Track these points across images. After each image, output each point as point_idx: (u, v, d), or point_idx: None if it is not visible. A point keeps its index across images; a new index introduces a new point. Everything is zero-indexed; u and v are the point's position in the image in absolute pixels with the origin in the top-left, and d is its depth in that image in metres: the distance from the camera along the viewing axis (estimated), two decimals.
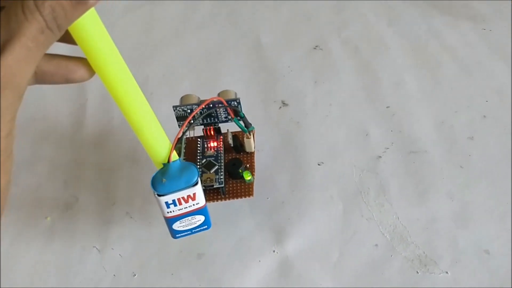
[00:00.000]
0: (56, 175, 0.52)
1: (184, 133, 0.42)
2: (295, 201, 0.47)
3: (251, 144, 0.44)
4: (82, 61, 0.27)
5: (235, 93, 0.44)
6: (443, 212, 0.45)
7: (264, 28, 0.64)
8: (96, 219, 0.48)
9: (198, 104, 0.43)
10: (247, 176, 0.42)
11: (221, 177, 0.42)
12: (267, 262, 0.43)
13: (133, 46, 0.64)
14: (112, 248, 0.46)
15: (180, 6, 0.69)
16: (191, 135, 0.45)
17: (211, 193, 0.43)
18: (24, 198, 0.50)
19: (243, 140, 0.44)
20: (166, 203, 0.35)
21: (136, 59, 0.62)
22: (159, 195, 0.34)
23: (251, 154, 0.45)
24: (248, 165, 0.44)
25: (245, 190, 0.43)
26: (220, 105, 0.42)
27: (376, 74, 0.57)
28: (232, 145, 0.44)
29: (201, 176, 0.40)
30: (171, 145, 0.33)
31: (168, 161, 0.33)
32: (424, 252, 0.42)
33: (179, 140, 0.37)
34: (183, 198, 0.35)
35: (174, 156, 0.34)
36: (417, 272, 0.41)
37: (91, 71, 0.27)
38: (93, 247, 0.46)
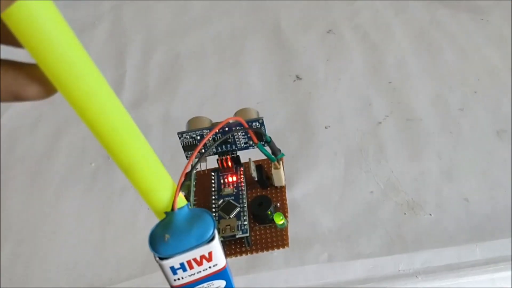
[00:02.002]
0: None
1: (193, 166, 0.31)
2: (303, 156, 0.54)
3: (281, 175, 0.34)
4: (37, 71, 0.18)
5: (257, 112, 0.34)
6: (431, 168, 0.52)
7: (284, 14, 0.72)
8: None
9: (211, 129, 0.33)
10: (279, 220, 0.32)
11: (245, 223, 0.32)
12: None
13: (166, 28, 0.73)
14: None
15: None
16: (203, 168, 0.36)
17: (232, 245, 0.33)
18: (73, 146, 0.58)
19: (270, 171, 0.34)
20: (172, 268, 0.25)
21: (168, 39, 0.71)
22: (162, 258, 0.24)
23: (282, 189, 0.35)
24: (278, 204, 0.34)
25: (278, 238, 0.33)
26: (238, 128, 0.32)
27: (381, 55, 0.65)
28: (256, 179, 0.34)
29: (218, 224, 0.32)
30: (175, 186, 0.24)
31: (172, 209, 0.24)
32: (412, 198, 0.50)
33: (187, 176, 0.26)
34: (195, 260, 0.25)
35: (180, 201, 0.24)
36: (405, 214, 0.48)
37: (50, 87, 0.19)
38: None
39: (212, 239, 0.25)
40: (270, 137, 0.33)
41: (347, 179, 0.52)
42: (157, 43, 0.71)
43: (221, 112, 0.59)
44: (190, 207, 0.25)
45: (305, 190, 0.51)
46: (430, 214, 0.48)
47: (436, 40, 0.66)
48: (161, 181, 0.24)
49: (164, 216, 0.24)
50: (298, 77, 0.63)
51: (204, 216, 0.25)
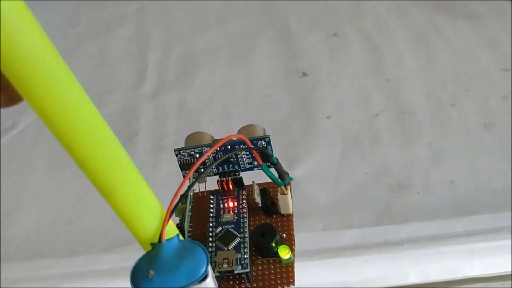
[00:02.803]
0: (124, 112, 0.66)
1: (190, 187, 0.28)
2: (305, 142, 0.60)
3: (288, 202, 0.30)
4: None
5: (264, 130, 0.31)
6: (422, 155, 0.57)
7: (292, 16, 0.78)
8: (151, 148, 0.62)
9: (211, 146, 0.30)
10: (284, 254, 0.28)
11: (245, 256, 0.29)
12: None
13: (184, 28, 0.79)
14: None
15: None
16: (201, 190, 0.32)
17: (230, 281, 0.29)
18: None
19: (276, 196, 0.31)
20: None
21: (185, 37, 0.77)
22: None
23: (289, 217, 0.31)
24: (284, 235, 0.30)
25: (282, 275, 0.29)
26: (242, 147, 0.30)
27: (381, 56, 0.70)
28: (260, 205, 0.30)
29: (215, 257, 0.28)
30: (164, 212, 0.22)
31: (160, 240, 0.21)
32: (402, 180, 0.54)
33: (182, 198, 0.24)
34: None
35: (170, 230, 0.22)
36: (395, 192, 0.53)
37: (13, 96, 0.17)
38: (149, 165, 0.60)
39: (205, 278, 0.21)
40: (276, 159, 0.29)
41: (343, 163, 0.57)
42: (175, 41, 0.77)
43: (231, 100, 0.65)
44: (181, 238, 0.22)
45: (305, 171, 0.56)
46: (418, 193, 0.53)
47: (434, 42, 0.71)
48: (147, 207, 0.21)
49: (149, 248, 0.21)
50: (304, 74, 0.69)
51: (196, 249, 0.22)
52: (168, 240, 0.21)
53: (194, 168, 0.28)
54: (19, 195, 0.57)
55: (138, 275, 0.21)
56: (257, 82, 0.68)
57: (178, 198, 0.23)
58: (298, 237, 0.51)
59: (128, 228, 0.21)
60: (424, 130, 0.59)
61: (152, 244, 0.21)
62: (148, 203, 0.21)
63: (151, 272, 0.21)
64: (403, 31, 0.74)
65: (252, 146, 0.29)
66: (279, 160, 0.29)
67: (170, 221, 0.22)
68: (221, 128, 0.62)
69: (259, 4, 0.80)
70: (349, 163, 0.57)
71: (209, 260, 0.22)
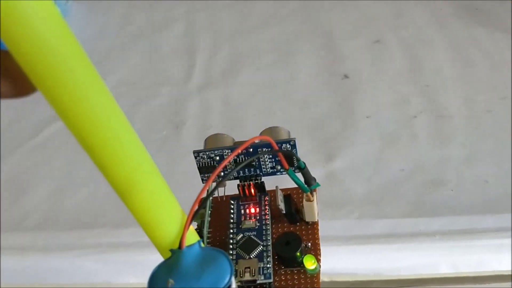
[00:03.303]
0: (172, 103, 0.70)
1: (209, 194, 0.26)
2: (344, 138, 0.62)
3: (313, 209, 0.29)
4: (9, 63, 0.15)
5: (288, 132, 0.30)
6: (456, 155, 0.59)
7: (336, 23, 0.81)
8: (196, 135, 0.65)
9: (232, 148, 0.28)
10: (310, 263, 0.27)
11: (268, 265, 0.27)
12: (317, 173, 0.59)
13: (230, 30, 0.83)
14: None
15: (271, 3, 0.87)
16: (221, 194, 0.31)
17: None
18: (149, 116, 0.68)
19: (301, 203, 0.29)
20: None
21: (231, 39, 0.81)
22: None
23: (314, 225, 0.30)
24: (309, 244, 0.29)
25: (307, 285, 0.28)
26: (265, 150, 0.28)
27: (420, 63, 0.73)
28: (283, 211, 0.29)
29: (235, 265, 0.27)
30: (185, 217, 0.21)
31: (180, 247, 0.20)
32: (436, 177, 0.57)
33: (201, 205, 0.22)
34: None
35: (191, 237, 0.21)
36: (429, 188, 0.56)
37: (25, 86, 0.16)
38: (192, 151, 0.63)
39: None
40: (304, 163, 0.28)
41: (380, 159, 0.60)
42: (222, 42, 0.81)
43: (275, 98, 0.69)
44: (202, 244, 0.21)
45: (343, 164, 0.59)
46: (452, 190, 0.55)
47: (471, 53, 0.73)
48: (167, 211, 0.20)
49: (169, 254, 0.20)
50: (345, 76, 0.72)
51: (219, 258, 0.20)
52: (189, 246, 0.20)
53: (217, 172, 0.25)
54: (73, 174, 0.62)
55: (156, 283, 0.20)
56: (299, 82, 0.72)
57: (201, 198, 0.22)
58: (334, 224, 0.54)
59: (145, 232, 0.19)
60: (459, 132, 0.62)
61: (172, 251, 0.20)
62: (168, 206, 0.19)
63: (171, 281, 0.19)
64: (442, 41, 0.76)
65: (278, 149, 0.27)
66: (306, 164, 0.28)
67: (191, 226, 0.20)
68: (262, 122, 0.65)
69: (304, 11, 0.84)
70: (385, 159, 0.59)
71: (233, 270, 0.20)
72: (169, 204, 0.20)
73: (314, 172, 0.57)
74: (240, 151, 0.27)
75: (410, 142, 0.61)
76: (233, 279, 0.20)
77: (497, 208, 0.53)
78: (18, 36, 0.13)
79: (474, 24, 0.78)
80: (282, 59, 0.76)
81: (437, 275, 0.51)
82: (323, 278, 0.51)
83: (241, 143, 0.27)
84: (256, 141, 0.27)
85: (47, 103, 0.57)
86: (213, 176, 0.25)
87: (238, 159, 0.29)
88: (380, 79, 0.71)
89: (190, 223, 0.20)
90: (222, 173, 0.29)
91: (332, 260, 0.51)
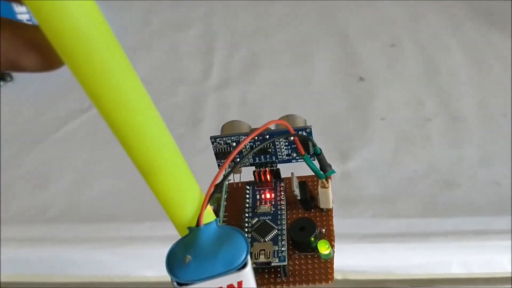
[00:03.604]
0: (190, 101, 0.71)
1: (225, 176, 0.26)
2: (359, 138, 0.63)
3: (328, 196, 0.29)
4: (39, 36, 0.15)
5: (305, 120, 0.30)
6: (470, 156, 0.60)
7: (352, 25, 0.82)
8: (214, 132, 0.66)
9: (249, 134, 0.28)
10: (324, 249, 0.28)
11: (283, 249, 0.28)
12: None
13: (248, 31, 0.84)
14: None
15: (289, 4, 0.88)
16: (236, 180, 0.32)
17: (265, 274, 0.28)
18: (167, 114, 0.70)
19: (316, 190, 0.30)
20: None
21: (249, 39, 0.82)
22: (180, 284, 0.21)
23: (328, 212, 0.30)
24: (324, 230, 0.29)
25: (321, 271, 0.28)
26: (281, 136, 0.29)
27: (436, 67, 0.73)
28: (298, 197, 0.29)
29: (251, 248, 0.27)
30: (203, 197, 0.21)
31: (198, 225, 0.21)
32: (449, 178, 0.57)
33: (217, 188, 0.23)
34: None
35: (208, 215, 0.21)
36: (442, 189, 0.56)
37: (53, 59, 0.16)
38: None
39: (244, 266, 0.20)
40: (320, 149, 0.28)
41: (394, 159, 0.60)
42: (240, 42, 0.82)
43: (291, 98, 0.70)
44: (219, 223, 0.21)
45: (357, 164, 0.60)
46: (465, 192, 0.56)
47: (487, 57, 0.74)
48: (187, 190, 0.20)
49: (187, 232, 0.21)
50: (361, 78, 0.73)
51: (235, 236, 0.21)
52: (207, 224, 0.20)
53: (232, 156, 0.26)
54: (94, 167, 0.63)
55: (174, 259, 0.20)
56: (315, 82, 0.73)
57: (218, 181, 0.22)
58: (348, 222, 0.54)
59: (164, 210, 0.20)
60: (473, 135, 0.62)
61: (190, 228, 0.20)
62: (188, 186, 0.20)
63: (188, 257, 0.20)
64: (457, 45, 0.77)
65: (294, 133, 0.27)
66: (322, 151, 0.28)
67: (209, 206, 0.21)
68: None
69: (321, 13, 0.85)
70: (399, 160, 0.60)
71: (249, 248, 0.21)
72: (189, 183, 0.20)
73: None
74: (255, 135, 0.27)
75: (424, 144, 0.62)
76: (249, 257, 0.21)
77: (509, 210, 0.53)
78: (49, 13, 0.13)
79: (489, 28, 0.79)
80: (299, 60, 0.77)
81: (449, 275, 0.51)
82: (336, 275, 0.52)
83: (256, 129, 0.28)
84: (271, 126, 0.28)
85: (72, 98, 0.59)
86: (229, 160, 0.25)
87: (254, 146, 0.29)
88: (395, 81, 0.71)
89: (208, 202, 0.21)
90: (238, 159, 0.30)
91: (345, 257, 0.52)
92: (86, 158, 0.65)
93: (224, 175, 0.26)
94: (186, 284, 0.20)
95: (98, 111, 0.16)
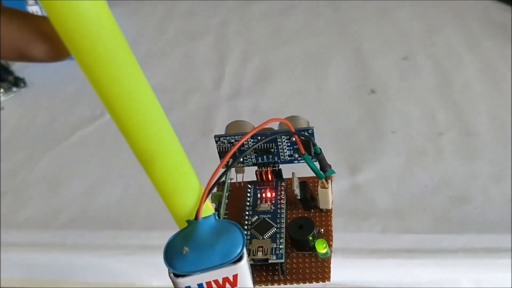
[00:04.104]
0: (202, 111, 0.72)
1: (224, 174, 0.26)
2: (369, 151, 0.63)
3: (328, 196, 0.30)
4: (47, 27, 0.16)
5: (307, 122, 0.31)
6: (483, 172, 0.59)
7: (366, 39, 0.82)
8: None
9: (253, 135, 0.29)
10: (321, 248, 0.28)
11: (281, 246, 0.28)
12: (342, 184, 0.59)
13: (262, 42, 0.84)
14: None
15: (304, 17, 0.88)
16: (239, 180, 0.32)
17: (263, 271, 0.28)
18: (178, 123, 0.70)
19: (316, 190, 0.30)
20: None
21: (263, 51, 0.82)
22: (177, 276, 0.21)
23: (328, 212, 0.31)
24: (322, 230, 0.30)
25: (318, 269, 0.28)
26: (283, 135, 0.29)
27: (449, 81, 0.73)
28: (298, 197, 0.30)
29: (249, 245, 0.28)
30: (203, 191, 0.21)
31: (196, 218, 0.21)
32: (461, 194, 0.57)
33: (217, 184, 0.23)
34: (216, 282, 0.21)
35: (207, 209, 0.22)
36: (453, 205, 0.56)
37: (61, 50, 0.16)
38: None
39: (240, 259, 0.21)
40: (320, 149, 0.29)
41: (405, 173, 0.60)
42: (253, 53, 0.82)
43: (303, 109, 0.70)
44: (217, 217, 0.22)
45: (368, 177, 0.60)
46: (475, 208, 0.55)
47: (502, 72, 0.73)
48: (186, 183, 0.20)
49: (185, 225, 0.21)
50: (372, 91, 0.72)
51: (232, 230, 0.21)
52: (205, 218, 0.21)
53: (231, 153, 0.27)
54: (106, 174, 0.63)
55: (172, 251, 0.21)
56: (327, 95, 0.72)
57: (216, 177, 0.23)
58: (356, 236, 0.54)
59: (164, 202, 0.20)
60: (486, 150, 0.62)
61: (188, 221, 0.21)
62: (188, 178, 0.20)
63: (186, 249, 0.20)
64: (472, 59, 0.76)
65: (295, 131, 0.28)
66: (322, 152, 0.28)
67: (208, 200, 0.21)
68: None
69: (335, 25, 0.85)
70: (411, 174, 0.60)
71: (246, 241, 0.21)
72: (188, 176, 0.21)
73: (339, 183, 0.58)
74: (253, 133, 0.27)
75: (436, 158, 0.61)
76: (245, 250, 0.21)
77: None
78: (58, 7, 0.14)
79: (505, 41, 0.78)
80: (311, 72, 0.77)
81: None
82: None
83: (265, 139, 0.28)
84: (268, 125, 0.28)
85: (84, 105, 0.59)
86: (228, 156, 0.26)
87: (258, 146, 0.30)
88: (407, 95, 0.71)
89: (207, 195, 0.21)
90: (241, 159, 0.30)
91: (354, 272, 0.52)
92: (97, 164, 0.65)
93: (226, 175, 0.27)
94: (183, 276, 0.21)
95: (100, 98, 0.17)
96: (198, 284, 0.21)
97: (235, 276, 0.21)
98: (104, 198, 0.61)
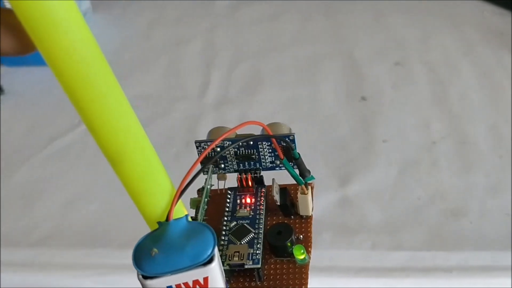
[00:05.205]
0: (186, 119, 0.69)
1: (195, 177, 0.24)
2: (360, 161, 0.60)
3: (308, 203, 0.29)
4: (13, 20, 0.16)
5: (289, 129, 0.30)
6: (479, 183, 0.56)
7: (358, 45, 0.79)
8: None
9: (233, 140, 0.29)
10: (299, 254, 0.28)
11: (258, 251, 0.28)
12: (331, 197, 0.56)
13: (251, 49, 0.81)
14: None
15: (295, 23, 0.85)
16: (221, 187, 0.32)
17: (240, 277, 0.28)
18: (161, 133, 0.67)
19: (296, 196, 0.29)
20: None
21: (252, 57, 0.79)
22: (146, 278, 0.21)
23: (308, 219, 0.30)
24: (302, 236, 0.29)
25: (296, 276, 0.28)
26: (263, 140, 0.29)
27: (444, 88, 0.70)
28: (278, 203, 0.29)
29: (226, 250, 0.27)
30: (175, 192, 0.21)
31: (167, 219, 0.21)
32: (456, 207, 0.54)
33: (199, 192, 0.23)
34: (186, 285, 0.21)
35: (179, 211, 0.21)
36: (447, 219, 0.53)
37: (27, 43, 0.16)
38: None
39: (210, 261, 0.20)
40: (299, 154, 0.28)
41: (397, 185, 0.57)
42: (241, 60, 0.79)
43: (293, 117, 0.67)
44: (189, 219, 0.21)
45: (358, 189, 0.57)
46: (471, 222, 0.52)
47: (499, 80, 0.70)
48: (157, 183, 0.20)
49: (156, 226, 0.21)
50: (363, 98, 0.69)
51: (204, 231, 0.21)
52: (176, 220, 0.21)
53: (202, 157, 0.27)
54: (83, 188, 0.60)
55: (141, 252, 0.20)
56: (317, 103, 0.69)
57: (189, 178, 0.22)
58: (345, 253, 0.51)
59: (135, 203, 0.20)
60: (482, 161, 0.59)
61: (159, 223, 0.21)
62: (159, 179, 0.20)
63: (155, 250, 0.20)
64: (468, 66, 0.73)
65: (273, 135, 0.28)
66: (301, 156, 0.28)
67: (180, 202, 0.21)
68: None
69: (326, 32, 0.82)
70: (403, 186, 0.57)
71: (216, 243, 0.21)
72: (159, 177, 0.20)
73: (327, 195, 0.55)
74: (228, 135, 0.27)
75: (429, 169, 0.58)
76: (216, 253, 0.21)
77: None
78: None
79: (501, 48, 0.75)
80: (301, 79, 0.74)
81: None
82: None
83: (243, 135, 0.28)
84: (244, 128, 0.27)
85: (63, 114, 0.56)
86: (200, 158, 0.26)
87: (238, 152, 0.29)
88: (400, 102, 0.68)
89: (179, 196, 0.21)
90: (222, 165, 0.30)
91: None
92: (75, 177, 0.62)
93: (206, 180, 0.28)
94: (152, 278, 0.20)
95: (65, 93, 0.16)
96: (167, 287, 0.21)
97: (205, 279, 0.21)
98: (82, 214, 0.57)
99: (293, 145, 0.28)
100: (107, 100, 0.17)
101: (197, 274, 0.21)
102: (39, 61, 0.78)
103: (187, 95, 0.73)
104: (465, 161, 0.59)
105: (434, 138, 0.62)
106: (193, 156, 0.63)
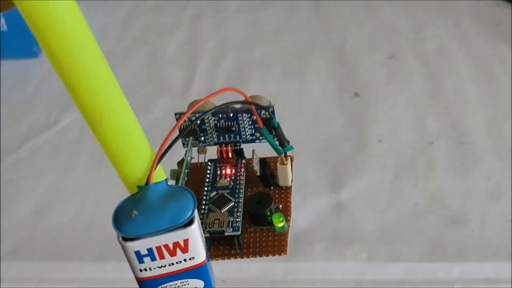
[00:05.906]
0: (170, 116, 0.65)
1: (174, 143, 0.24)
2: (354, 163, 0.57)
3: (287, 173, 0.30)
4: None
5: (269, 101, 0.30)
6: (479, 188, 0.53)
7: (349, 36, 0.75)
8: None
9: (214, 112, 0.29)
10: (278, 222, 0.28)
11: (238, 219, 0.28)
12: (323, 203, 0.53)
13: (237, 40, 0.77)
14: None
15: (283, 12, 0.81)
16: (202, 160, 0.31)
17: (220, 245, 0.29)
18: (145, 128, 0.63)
19: (276, 167, 0.30)
20: (138, 253, 0.21)
21: (238, 49, 0.75)
22: (126, 239, 0.21)
23: (287, 189, 0.31)
24: (281, 206, 0.30)
25: (275, 243, 0.29)
26: (243, 112, 0.29)
27: (440, 82, 0.66)
28: (258, 174, 0.30)
29: (206, 218, 0.28)
30: (154, 156, 0.21)
31: (147, 183, 0.21)
32: (456, 214, 0.51)
33: (180, 164, 0.24)
34: (166, 247, 0.21)
35: (158, 175, 0.21)
36: (447, 227, 0.49)
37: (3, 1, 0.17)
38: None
39: (190, 223, 0.20)
40: (278, 123, 0.28)
41: (394, 189, 0.54)
42: (227, 52, 0.75)
43: (282, 115, 0.63)
44: (169, 183, 0.21)
45: (352, 194, 0.53)
46: (473, 231, 0.49)
47: (496, 73, 0.67)
48: (136, 146, 0.20)
49: (136, 190, 0.21)
50: (356, 95, 0.66)
51: (184, 194, 0.21)
52: (156, 183, 0.21)
53: (176, 127, 0.25)
54: (56, 193, 0.56)
55: (121, 215, 0.21)
56: (307, 98, 0.66)
57: (169, 142, 0.22)
58: (340, 265, 0.48)
59: (114, 166, 0.20)
60: (482, 162, 0.56)
61: (139, 187, 0.21)
62: (138, 142, 0.20)
63: (135, 212, 0.20)
64: (464, 59, 0.70)
65: (251, 102, 0.28)
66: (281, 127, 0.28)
67: (160, 166, 0.21)
68: None
69: (315, 22, 0.78)
70: (400, 191, 0.53)
71: (196, 205, 0.21)
72: (139, 139, 0.20)
73: (319, 201, 0.52)
74: (201, 104, 0.27)
75: (427, 172, 0.55)
76: (196, 215, 0.21)
77: None
78: None
79: (498, 39, 0.72)
80: (290, 72, 0.70)
81: None
82: None
83: (223, 105, 0.27)
84: (216, 96, 0.27)
85: (36, 113, 0.51)
86: (174, 128, 0.24)
87: (218, 124, 0.29)
88: (394, 98, 0.65)
89: (159, 161, 0.21)
90: (202, 138, 0.30)
91: None
92: (47, 181, 0.58)
93: (186, 152, 0.28)
94: (132, 240, 0.20)
95: (42, 47, 0.16)
96: (147, 249, 0.21)
97: (186, 241, 0.21)
98: (54, 222, 0.53)
99: (274, 117, 0.29)
100: (86, 54, 0.17)
101: (177, 236, 0.21)
102: (10, 54, 0.72)
103: (169, 90, 0.69)
104: (464, 163, 0.56)
105: (431, 138, 0.59)
106: (180, 152, 0.60)
